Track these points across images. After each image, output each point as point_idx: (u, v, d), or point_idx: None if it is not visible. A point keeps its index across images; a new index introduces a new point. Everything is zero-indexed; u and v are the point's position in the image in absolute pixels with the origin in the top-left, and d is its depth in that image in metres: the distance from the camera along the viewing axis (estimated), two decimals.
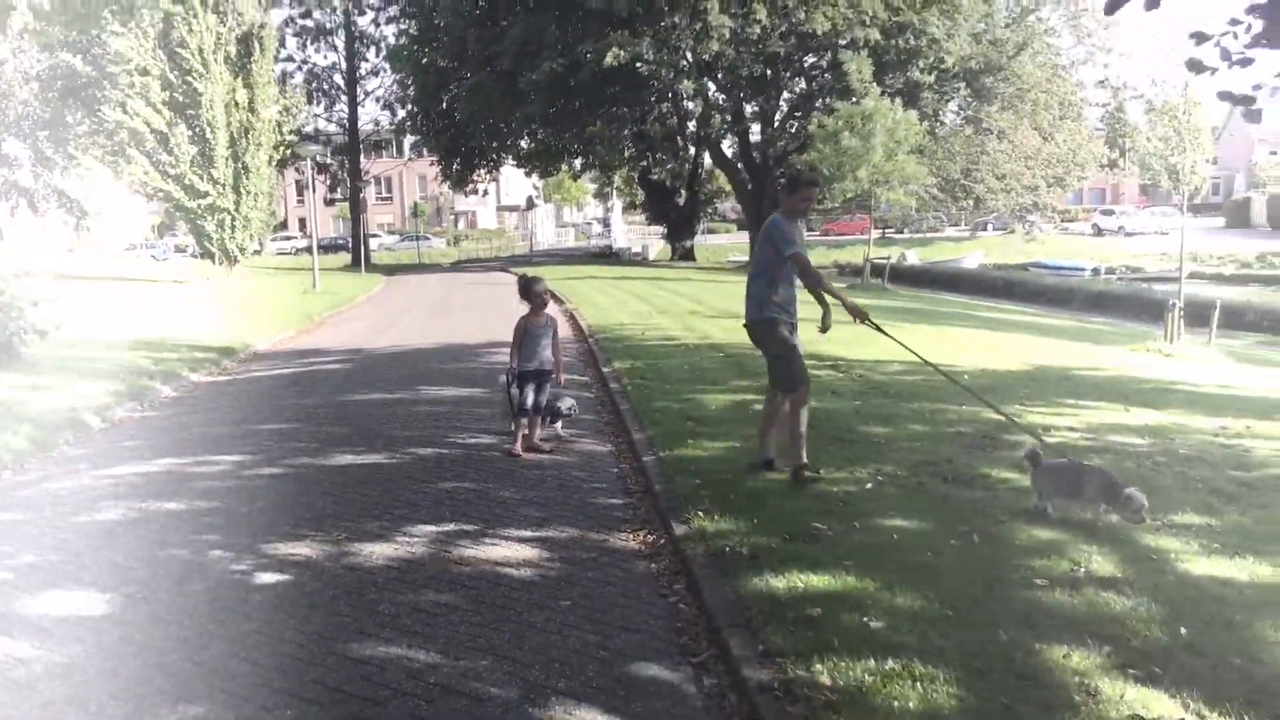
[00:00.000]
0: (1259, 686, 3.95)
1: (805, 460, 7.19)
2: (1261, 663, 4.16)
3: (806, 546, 5.70)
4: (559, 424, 9.27)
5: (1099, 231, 67.95)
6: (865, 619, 4.63)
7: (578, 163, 50.97)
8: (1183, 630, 4.45)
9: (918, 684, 4.00)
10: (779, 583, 5.14)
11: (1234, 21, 5.66)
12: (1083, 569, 5.26)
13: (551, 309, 9.17)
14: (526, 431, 8.75)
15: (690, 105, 41.50)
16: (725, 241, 71.00)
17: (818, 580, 5.15)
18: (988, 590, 4.99)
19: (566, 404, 9.28)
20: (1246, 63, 5.79)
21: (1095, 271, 50.46)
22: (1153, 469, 7.37)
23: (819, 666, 4.18)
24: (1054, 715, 3.75)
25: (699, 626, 4.97)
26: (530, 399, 8.68)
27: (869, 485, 6.99)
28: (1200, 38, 6.34)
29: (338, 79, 52.84)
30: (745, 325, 7.70)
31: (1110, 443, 8.31)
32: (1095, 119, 56.58)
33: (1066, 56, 47.91)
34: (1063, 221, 60.70)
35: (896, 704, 3.84)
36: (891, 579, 5.13)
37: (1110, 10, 5.63)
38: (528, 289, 8.85)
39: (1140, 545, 5.66)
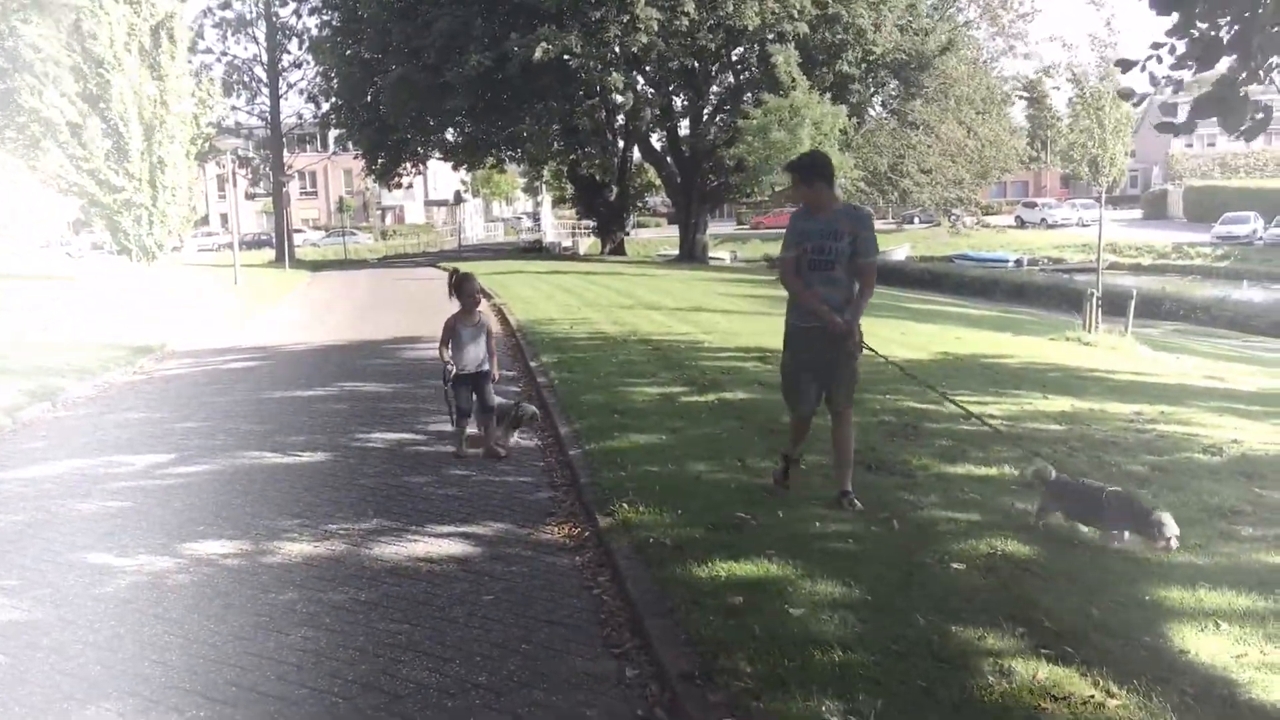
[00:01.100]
0: (1166, 664, 4.04)
1: (792, 453, 6.65)
2: (1169, 640, 4.26)
3: (730, 536, 5.71)
4: (520, 431, 8.79)
5: (1022, 224, 69.24)
6: (786, 606, 4.65)
7: (506, 156, 50.63)
8: (1094, 611, 4.54)
9: (838, 669, 4.03)
10: (702, 572, 5.15)
11: (1156, 45, 5.77)
12: (999, 553, 5.34)
13: (482, 306, 8.91)
14: (471, 433, 8.44)
15: (619, 99, 41.44)
16: (656, 235, 71.15)
17: (740, 569, 5.16)
18: (907, 576, 5.04)
19: (529, 410, 8.83)
20: (1178, 87, 5.91)
21: (1018, 263, 51.50)
22: (1069, 454, 7.51)
23: (740, 654, 4.18)
24: (969, 696, 3.80)
25: (622, 618, 4.96)
26: (472, 401, 8.36)
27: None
28: (1125, 65, 6.47)
29: (259, 71, 51.87)
30: None
31: (1028, 429, 8.46)
32: (1019, 112, 57.65)
33: (986, 50, 48.72)
34: (984, 215, 61.72)
35: (816, 689, 3.86)
36: (813, 567, 5.16)
37: None
38: (458, 287, 8.46)
39: (1055, 530, 5.75)
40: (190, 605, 5.22)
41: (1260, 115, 5.23)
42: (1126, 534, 5.42)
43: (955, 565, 5.16)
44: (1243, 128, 5.40)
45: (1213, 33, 4.99)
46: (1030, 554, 5.33)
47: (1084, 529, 5.66)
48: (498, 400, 8.58)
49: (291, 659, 4.53)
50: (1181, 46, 5.29)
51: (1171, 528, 5.19)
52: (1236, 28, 4.90)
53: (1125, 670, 3.96)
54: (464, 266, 10.67)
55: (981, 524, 5.84)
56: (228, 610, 5.13)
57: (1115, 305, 21.72)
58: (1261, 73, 5.03)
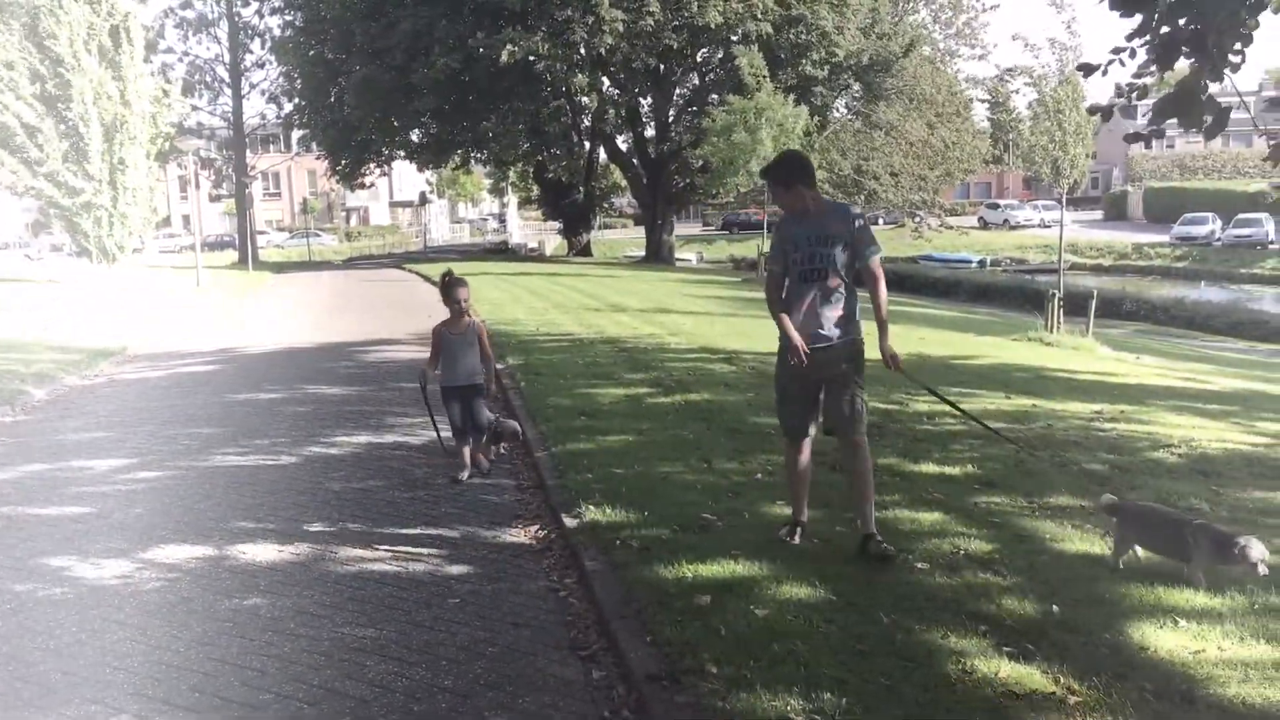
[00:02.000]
0: (1126, 660, 4.10)
1: (798, 516, 5.70)
2: (1129, 637, 4.32)
3: (696, 537, 5.73)
4: (501, 446, 8.27)
5: (985, 224, 69.84)
6: (752, 607, 4.68)
7: (472, 157, 50.46)
8: (1055, 608, 4.60)
9: (803, 668, 4.06)
10: (668, 573, 5.16)
11: (1117, 50, 5.83)
12: (962, 552, 5.39)
13: (474, 311, 8.33)
14: (471, 454, 7.75)
15: (585, 100, 41.41)
16: (622, 236, 71.12)
17: (707, 570, 5.18)
18: (871, 575, 5.08)
19: (510, 427, 8.31)
20: (1144, 94, 5.97)
21: (982, 264, 51.95)
22: (1031, 453, 7.59)
23: (706, 655, 4.20)
24: (932, 694, 3.83)
25: (589, 620, 4.97)
26: (458, 417, 7.64)
27: (759, 475, 7.06)
28: (1087, 70, 6.55)
29: (221, 71, 51.37)
30: None
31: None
32: (981, 114, 58.13)
33: (945, 51, 49.16)
34: (948, 216, 62.20)
35: (782, 688, 3.88)
36: (779, 567, 5.19)
37: None
38: (444, 291, 7.76)
39: (1017, 527, 5.82)
40: (153, 611, 5.17)
41: (1217, 113, 5.30)
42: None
43: (919, 564, 5.21)
44: (1202, 126, 5.47)
45: (1171, 31, 5.06)
46: (992, 553, 5.38)
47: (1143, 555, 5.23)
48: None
49: (255, 664, 4.50)
50: (1142, 53, 5.35)
51: (1258, 551, 4.73)
52: (1194, 27, 4.96)
53: (1085, 667, 4.02)
54: (429, 268, 10.52)
55: (944, 523, 5.90)
56: (191, 616, 5.09)
57: (1077, 305, 21.98)
58: (1219, 71, 5.10)
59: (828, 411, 5.52)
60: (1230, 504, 6.30)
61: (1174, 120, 5.22)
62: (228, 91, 50.93)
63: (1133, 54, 5.41)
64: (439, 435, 8.02)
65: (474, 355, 7.71)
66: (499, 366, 12.56)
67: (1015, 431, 8.39)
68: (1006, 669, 4.00)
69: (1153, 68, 5.28)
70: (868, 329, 5.51)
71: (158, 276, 33.67)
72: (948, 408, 9.29)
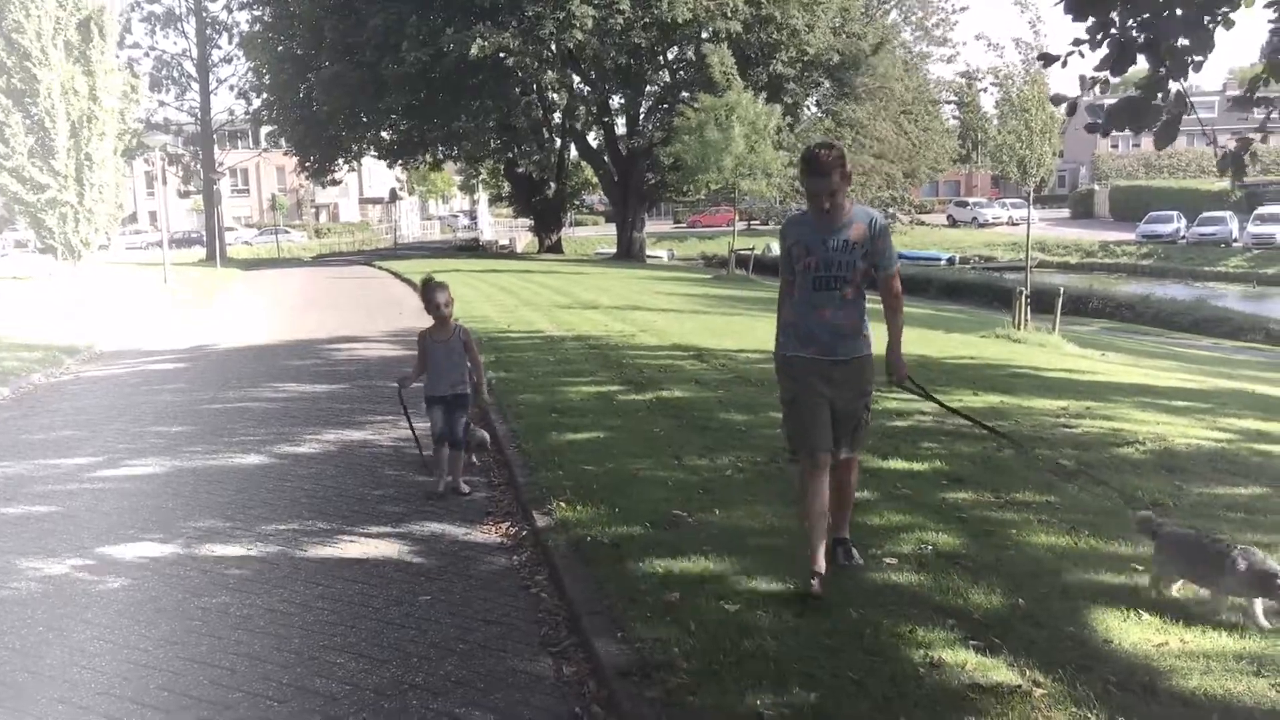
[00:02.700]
0: (1090, 653, 4.16)
1: (814, 566, 4.84)
2: (1093, 630, 4.37)
3: (667, 534, 5.75)
4: (474, 456, 7.85)
5: (954, 222, 70.38)
6: (722, 602, 4.70)
7: (442, 154, 50.32)
8: (1021, 601, 4.65)
9: (772, 663, 4.08)
10: (639, 570, 5.18)
11: (1078, 41, 5.91)
12: (930, 547, 5.44)
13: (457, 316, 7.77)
14: (449, 467, 7.26)
15: (555, 97, 41.38)
16: (593, 233, 71.09)
17: (677, 566, 5.20)
18: (840, 570, 5.11)
19: (478, 436, 7.87)
20: (1105, 88, 6.06)
21: (951, 261, 52.33)
22: (997, 449, 7.66)
23: (676, 650, 4.22)
24: (899, 688, 3.87)
25: (560, 616, 4.98)
26: (440, 425, 7.18)
27: (729, 472, 7.09)
28: (1047, 60, 6.63)
29: (189, 66, 50.92)
30: None
31: (957, 425, 8.61)
32: (949, 112, 58.55)
33: (915, 52, 49.48)
34: (917, 214, 62.61)
35: (751, 683, 3.91)
36: (748, 563, 5.22)
37: None
38: (422, 295, 7.38)
39: (984, 522, 5.88)
40: (120, 610, 5.14)
41: (1168, 118, 5.39)
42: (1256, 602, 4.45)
43: (888, 560, 5.25)
44: (1154, 131, 5.56)
45: (1126, 36, 5.14)
46: (960, 547, 5.44)
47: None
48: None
49: (225, 663, 4.48)
50: (1103, 46, 5.43)
51: None
52: (1148, 35, 5.05)
53: (1050, 660, 4.07)
54: (400, 266, 10.40)
55: (913, 518, 5.95)
56: (159, 615, 5.06)
57: (1044, 303, 22.17)
58: (1172, 78, 5.18)
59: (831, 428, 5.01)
60: (1192, 499, 6.38)
61: (1130, 124, 5.30)
62: (195, 87, 50.51)
63: (1093, 46, 5.50)
64: (419, 446, 7.75)
65: (460, 363, 7.29)
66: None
67: (978, 430, 8.44)
68: (973, 662, 4.05)
69: (1109, 66, 5.37)
70: (877, 336, 5.15)
71: (124, 273, 33.35)
72: (919, 405, 9.37)
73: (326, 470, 7.94)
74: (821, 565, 4.84)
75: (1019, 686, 3.87)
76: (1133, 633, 4.33)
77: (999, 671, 3.99)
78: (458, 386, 7.27)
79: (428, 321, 7.43)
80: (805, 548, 4.92)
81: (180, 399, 11.30)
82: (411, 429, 7.78)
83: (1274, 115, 5.80)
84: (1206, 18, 5.05)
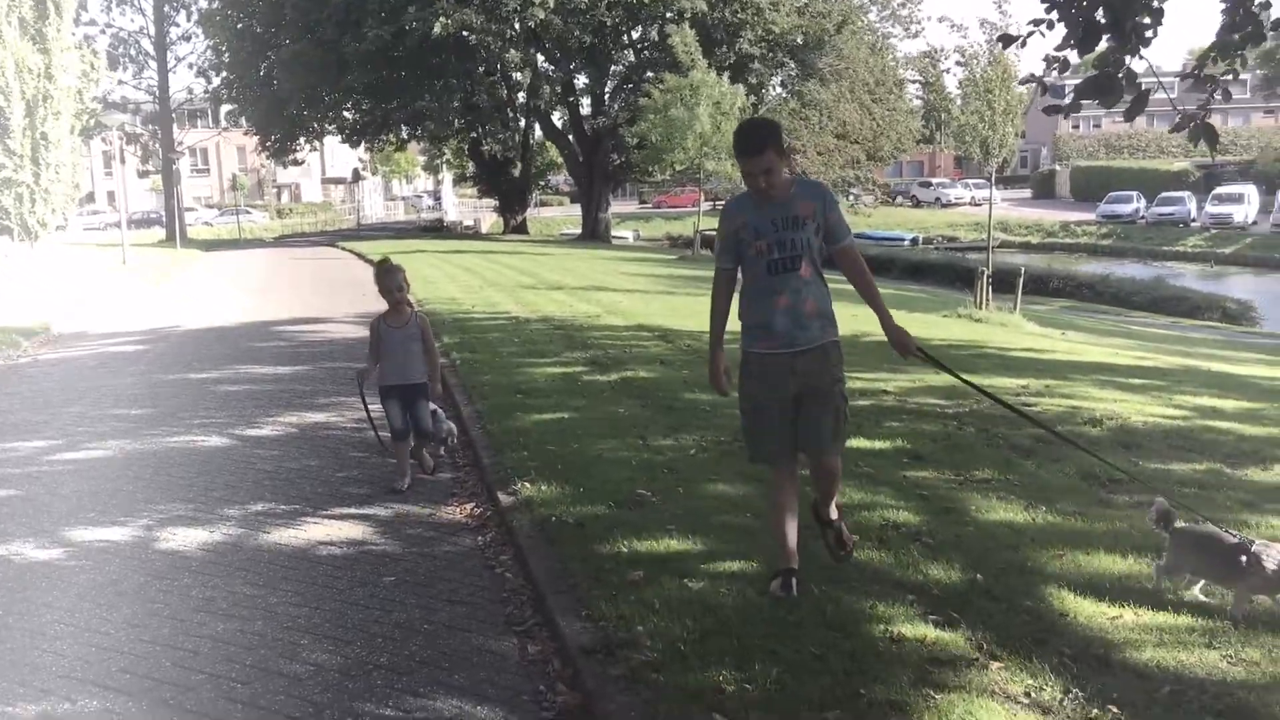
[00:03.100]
0: (1045, 625, 4.23)
1: (786, 563, 4.68)
2: (1048, 604, 4.45)
3: (631, 513, 5.78)
4: (442, 448, 7.64)
5: (917, 203, 70.76)
6: (686, 580, 4.74)
7: (406, 134, 49.92)
8: (979, 577, 4.72)
9: (735, 640, 4.12)
10: (604, 549, 5.20)
11: (1036, 21, 5.97)
12: (891, 523, 5.50)
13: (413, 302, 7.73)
14: (413, 460, 7.08)
15: (519, 76, 41.15)
16: (559, 214, 70.89)
17: (641, 545, 5.23)
18: (802, 548, 5.14)
19: (445, 427, 7.64)
20: (1065, 67, 6.13)
21: (914, 241, 52.66)
22: (958, 428, 7.75)
23: (640, 628, 4.25)
24: (860, 662, 3.92)
25: (524, 595, 5.00)
26: (399, 419, 6.87)
27: (693, 451, 7.13)
28: (1007, 40, 6.68)
29: (146, 44, 50.14)
30: None
31: (919, 404, 8.71)
32: (913, 93, 58.81)
33: (880, 32, 49.57)
34: (884, 195, 62.91)
35: (714, 659, 3.95)
36: (712, 541, 5.27)
37: None
38: (379, 280, 7.03)
39: (945, 499, 5.95)
40: (82, 593, 5.11)
41: (1136, 94, 5.46)
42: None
43: (850, 536, 5.30)
44: (1123, 108, 5.63)
45: (1089, 15, 5.20)
46: (920, 524, 5.50)
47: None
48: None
49: (188, 645, 4.47)
50: (1061, 26, 5.50)
51: None
52: (1111, 12, 5.11)
53: (1007, 633, 4.14)
54: (363, 246, 10.26)
55: (874, 496, 6.01)
56: (120, 598, 5.03)
57: (1005, 282, 22.37)
58: (1130, 54, 5.26)
59: (801, 426, 4.57)
60: (1148, 475, 6.49)
61: (1098, 98, 5.37)
62: (153, 65, 49.79)
63: (1051, 26, 5.56)
64: (378, 437, 7.35)
65: (416, 351, 6.90)
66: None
67: (943, 408, 8.55)
68: (932, 636, 4.11)
69: (1073, 42, 5.44)
70: (858, 317, 4.94)
71: (82, 255, 32.91)
72: (882, 385, 9.46)
73: (289, 452, 7.91)
74: (795, 561, 4.67)
75: (976, 659, 3.93)
76: (1088, 606, 4.41)
77: (957, 645, 4.05)
78: (415, 376, 6.90)
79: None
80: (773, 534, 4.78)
81: (140, 381, 11.19)
82: (372, 424, 7.37)
83: (1218, 95, 5.88)
84: None
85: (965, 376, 5.58)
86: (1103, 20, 5.14)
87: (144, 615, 4.81)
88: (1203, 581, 4.55)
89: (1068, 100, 6.19)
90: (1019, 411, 5.77)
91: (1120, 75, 5.48)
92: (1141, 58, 5.39)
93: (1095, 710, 3.57)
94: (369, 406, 7.30)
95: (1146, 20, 5.52)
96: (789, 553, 4.69)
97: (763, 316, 4.57)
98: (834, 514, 4.88)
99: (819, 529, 4.92)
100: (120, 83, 48.69)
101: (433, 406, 7.29)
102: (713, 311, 4.74)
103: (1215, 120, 6.24)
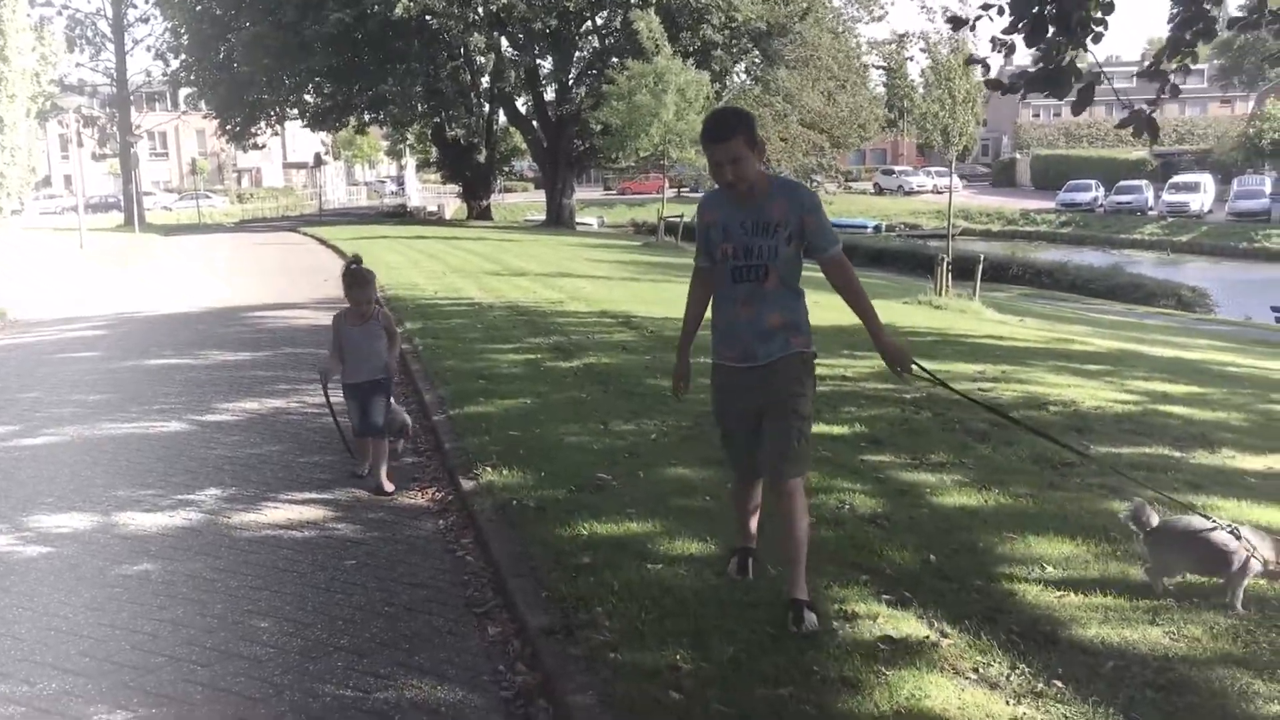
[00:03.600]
0: (995, 604, 4.34)
1: (743, 541, 4.70)
2: (998, 583, 4.55)
3: (592, 497, 5.84)
4: (401, 443, 7.37)
5: (880, 190, 71.15)
6: (645, 562, 4.80)
7: (368, 118, 49.55)
8: (932, 557, 4.82)
9: (692, 620, 4.19)
10: (564, 532, 5.26)
11: (986, 5, 6.07)
12: (847, 506, 5.60)
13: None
14: (371, 460, 6.71)
15: (482, 60, 40.94)
16: (523, 200, 70.68)
17: (601, 528, 5.29)
18: (760, 529, 5.23)
19: (399, 420, 7.30)
20: (1011, 51, 6.24)
21: (877, 229, 53.00)
22: (915, 412, 7.87)
23: (599, 609, 4.31)
24: (814, 641, 4.00)
25: (485, 578, 5.05)
26: (358, 418, 6.67)
27: (654, 436, 7.19)
28: (956, 23, 6.79)
29: (103, 26, 49.40)
30: None
31: (878, 389, 8.81)
32: (877, 80, 59.06)
33: (845, 18, 49.66)
34: (846, 182, 63.21)
35: (671, 639, 4.02)
36: (671, 524, 5.33)
37: None
38: (347, 287, 6.68)
39: (900, 482, 6.05)
40: (39, 578, 5.09)
41: (1084, 86, 5.58)
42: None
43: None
44: (1071, 99, 5.75)
45: (1037, 9, 5.32)
46: (875, 506, 5.60)
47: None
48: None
49: (147, 628, 4.48)
50: (1009, 9, 5.61)
51: None
52: (1058, 6, 5.22)
53: (957, 612, 4.24)
54: (325, 232, 10.14)
55: (832, 479, 6.10)
56: (79, 583, 5.02)
57: (966, 270, 22.60)
58: (1073, 46, 5.38)
59: (759, 447, 4.32)
60: (1098, 458, 6.63)
61: (1045, 90, 5.48)
62: (110, 47, 49.06)
63: (1001, 11, 5.67)
64: (341, 433, 7.04)
65: (379, 348, 6.65)
66: (397, 331, 12.46)
67: (900, 393, 8.65)
68: (884, 614, 4.19)
69: (1020, 30, 5.55)
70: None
71: (39, 239, 32.46)
72: (841, 370, 9.56)
73: (250, 437, 7.89)
74: (753, 541, 4.65)
75: (927, 637, 4.03)
76: (1036, 586, 4.52)
77: (908, 623, 4.14)
78: (378, 373, 6.66)
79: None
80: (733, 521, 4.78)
81: (99, 367, 11.10)
82: (336, 423, 7.04)
83: (1165, 90, 6.03)
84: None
85: (956, 388, 5.52)
86: (1050, 14, 5.25)
87: (103, 599, 4.81)
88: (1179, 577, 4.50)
89: (1019, 86, 6.32)
90: (990, 408, 5.84)
91: (1066, 67, 5.61)
92: (1087, 51, 5.51)
93: (1040, 685, 3.67)
94: (332, 403, 7.00)
95: (1098, 15, 5.64)
96: (747, 533, 4.67)
97: (725, 325, 4.31)
98: (800, 593, 4.21)
99: (786, 608, 4.21)
100: (77, 65, 47.95)
101: (382, 404, 6.92)
102: (688, 305, 4.55)
103: (1172, 109, 6.40)
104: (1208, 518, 4.51)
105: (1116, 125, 6.15)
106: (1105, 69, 6.36)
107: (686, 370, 4.58)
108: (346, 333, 6.68)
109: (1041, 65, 5.60)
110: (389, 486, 6.53)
